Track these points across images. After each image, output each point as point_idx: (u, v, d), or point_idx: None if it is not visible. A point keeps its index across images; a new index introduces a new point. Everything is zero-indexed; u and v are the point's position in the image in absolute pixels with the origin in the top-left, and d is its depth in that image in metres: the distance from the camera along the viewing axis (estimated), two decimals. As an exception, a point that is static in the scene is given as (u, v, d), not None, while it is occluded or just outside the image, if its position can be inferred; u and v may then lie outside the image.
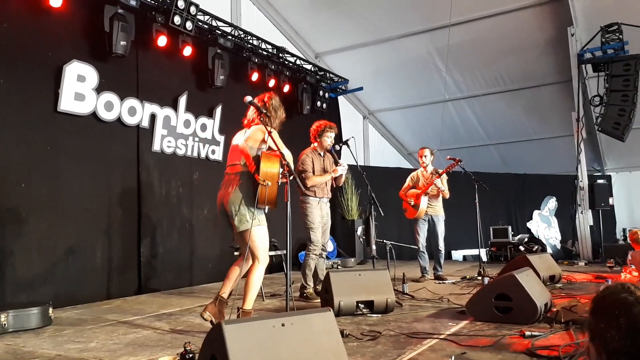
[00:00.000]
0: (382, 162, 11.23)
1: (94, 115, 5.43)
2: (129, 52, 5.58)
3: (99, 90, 5.46)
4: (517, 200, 11.11)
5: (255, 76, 7.53)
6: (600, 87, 7.94)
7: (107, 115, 5.58)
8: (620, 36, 7.45)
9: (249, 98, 3.64)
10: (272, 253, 5.42)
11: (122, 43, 5.44)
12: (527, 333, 3.28)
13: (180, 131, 6.49)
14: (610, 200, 10.49)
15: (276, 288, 5.79)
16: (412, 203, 6.30)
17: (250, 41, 7.54)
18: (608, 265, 7.06)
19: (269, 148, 3.50)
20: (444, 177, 6.30)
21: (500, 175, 11.00)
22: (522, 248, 8.35)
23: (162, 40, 6.06)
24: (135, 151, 5.94)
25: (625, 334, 1.09)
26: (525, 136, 10.97)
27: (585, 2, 7.44)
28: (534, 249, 8.27)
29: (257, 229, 3.50)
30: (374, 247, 5.19)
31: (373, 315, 4.12)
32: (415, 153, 11.52)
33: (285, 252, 3.74)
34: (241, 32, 7.37)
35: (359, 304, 4.14)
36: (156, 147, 6.17)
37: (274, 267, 7.33)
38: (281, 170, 3.38)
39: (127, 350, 3.20)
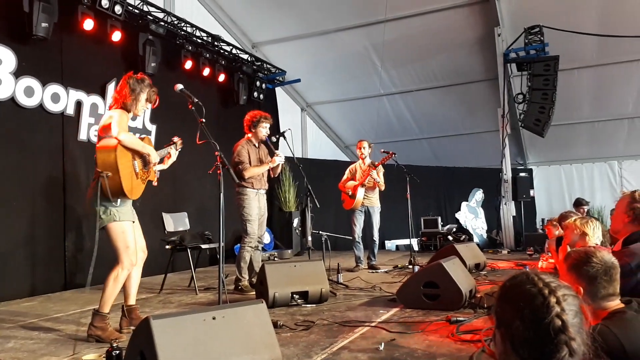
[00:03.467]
0: (320, 154, 11.32)
1: (12, 100, 5.07)
2: (51, 35, 5.25)
3: (18, 74, 5.10)
4: (447, 192, 11.58)
5: (189, 64, 7.32)
6: (524, 86, 8.42)
7: (27, 102, 5.22)
8: (542, 38, 7.92)
9: (179, 86, 3.54)
10: (206, 246, 5.35)
11: (44, 25, 5.10)
12: (453, 318, 3.45)
13: (108, 120, 6.18)
14: (532, 192, 11.19)
15: (210, 281, 5.71)
16: (350, 194, 6.43)
17: (184, 28, 7.32)
18: (528, 253, 7.55)
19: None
20: (380, 169, 6.47)
21: (432, 168, 11.41)
22: (450, 237, 8.75)
23: (88, 24, 5.74)
24: (60, 140, 5.62)
25: (529, 324, 1.13)
26: (455, 131, 11.43)
27: (510, 4, 7.84)
28: (462, 239, 8.69)
29: (114, 226, 3.26)
30: (309, 238, 5.25)
31: (308, 305, 4.17)
32: (352, 146, 11.71)
33: (219, 244, 3.69)
34: (174, 19, 7.13)
35: (294, 295, 4.17)
36: (82, 136, 5.86)
37: (207, 260, 7.22)
38: (139, 163, 3.28)
39: (49, 350, 3.04)
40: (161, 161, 3.72)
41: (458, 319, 3.43)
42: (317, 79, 10.52)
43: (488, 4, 7.82)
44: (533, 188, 11.53)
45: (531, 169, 12.16)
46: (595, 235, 4.02)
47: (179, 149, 3.83)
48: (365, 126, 11.34)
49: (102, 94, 6.11)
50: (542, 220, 10.40)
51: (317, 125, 12.06)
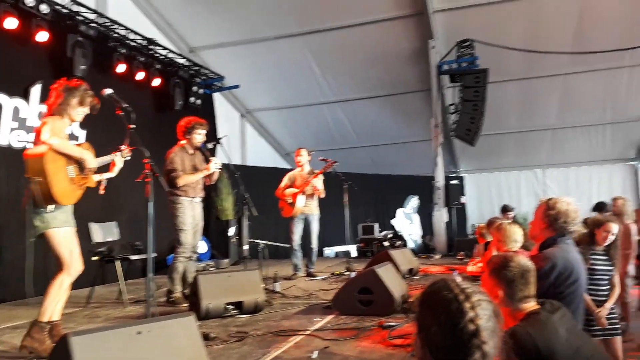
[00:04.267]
0: (260, 161, 11.23)
1: None
2: (-34, 33, 4.90)
3: None
4: (385, 199, 11.85)
5: (121, 68, 7.05)
6: (456, 97, 8.80)
7: (-61, 104, 4.83)
8: (473, 51, 8.32)
9: (107, 91, 3.41)
10: (135, 257, 5.15)
11: (-42, 21, 4.75)
12: (385, 324, 3.52)
13: (33, 124, 5.83)
14: (463, 199, 11.69)
15: (141, 294, 5.49)
16: (290, 202, 6.42)
17: (117, 30, 7.05)
18: (458, 257, 7.86)
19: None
20: (321, 176, 6.51)
21: (370, 176, 11.64)
22: (386, 244, 8.95)
23: (10, 23, 5.41)
24: (-23, 145, 5.23)
25: (445, 329, 1.17)
26: (392, 140, 11.74)
27: (443, 18, 8.18)
28: (397, 245, 8.91)
29: (53, 232, 3.17)
30: (246, 247, 5.18)
31: (242, 316, 4.10)
32: (292, 153, 11.69)
33: (150, 255, 3.56)
34: (106, 20, 6.86)
35: (228, 306, 4.10)
36: (3, 141, 5.50)
37: (140, 271, 6.94)
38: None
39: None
40: (107, 169, 3.56)
41: (390, 323, 3.50)
42: (257, 86, 10.47)
43: (422, 17, 8.11)
44: (464, 195, 12.04)
45: (463, 177, 12.70)
46: (517, 240, 4.25)
47: (127, 157, 3.69)
48: (305, 133, 11.40)
49: (26, 96, 5.75)
50: (473, 225, 10.88)
51: (257, 132, 11.99)
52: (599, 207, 8.62)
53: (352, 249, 9.96)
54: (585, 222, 9.37)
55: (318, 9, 8.41)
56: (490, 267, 2.34)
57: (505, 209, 8.88)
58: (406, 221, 11.71)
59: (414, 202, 11.83)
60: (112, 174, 3.66)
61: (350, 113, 11.01)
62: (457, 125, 8.51)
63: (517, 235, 4.26)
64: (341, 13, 8.40)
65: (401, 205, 11.85)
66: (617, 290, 4.36)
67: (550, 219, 3.17)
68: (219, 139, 5.30)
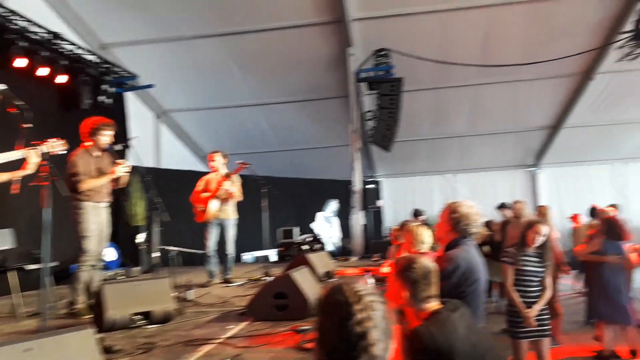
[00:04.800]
0: (176, 164, 10.84)
1: None
2: None
3: None
4: (305, 203, 11.93)
5: (21, 62, 6.50)
6: (373, 104, 9.05)
7: None
8: (389, 60, 8.61)
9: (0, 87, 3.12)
10: (32, 266, 4.75)
11: None
12: (299, 328, 3.51)
13: None
14: (380, 202, 12.07)
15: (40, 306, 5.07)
16: (202, 208, 6.23)
17: (17, 22, 6.49)
18: (373, 259, 8.08)
19: None
20: (238, 180, 6.38)
21: (291, 180, 11.66)
22: (306, 247, 9.00)
23: None
24: None
25: (337, 332, 1.20)
26: (312, 144, 11.87)
27: (361, 26, 8.39)
28: (316, 248, 8.99)
29: None
30: (156, 254, 4.96)
31: (151, 326, 3.91)
32: (210, 156, 11.46)
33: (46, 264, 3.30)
34: (5, 11, 6.29)
35: (135, 316, 3.89)
36: None
37: (39, 281, 6.41)
38: None
39: None
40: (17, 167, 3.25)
41: (304, 328, 3.50)
42: (174, 86, 10.11)
43: (341, 24, 8.27)
44: (381, 198, 12.44)
45: (380, 181, 13.11)
46: (424, 242, 4.42)
47: (53, 150, 3.36)
48: (224, 136, 11.20)
49: None
50: (388, 228, 11.25)
51: (174, 133, 11.58)
52: (502, 206, 9.27)
53: (272, 254, 9.91)
54: (487, 224, 10.01)
55: (239, 11, 8.30)
56: (396, 269, 2.41)
57: (416, 213, 9.27)
58: (326, 224, 11.86)
59: (333, 205, 12.01)
60: (28, 171, 3.34)
61: (271, 117, 10.97)
62: (374, 132, 8.76)
63: (425, 237, 4.43)
64: (261, 16, 8.35)
65: (321, 209, 11.98)
66: (548, 292, 4.49)
67: (454, 222, 3.33)
68: (129, 140, 5.03)
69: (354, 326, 1.18)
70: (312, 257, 5.78)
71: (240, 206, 6.58)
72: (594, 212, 9.24)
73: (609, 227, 5.83)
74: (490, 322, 9.14)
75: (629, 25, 7.81)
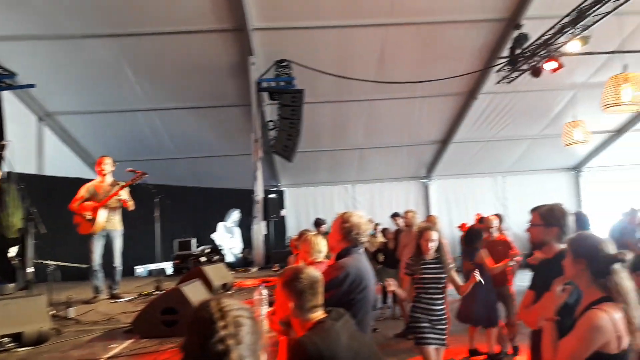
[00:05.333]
0: (61, 171, 9.98)
1: None
2: None
3: None
4: (205, 212, 11.60)
5: None
6: (275, 114, 9.07)
7: None
8: (290, 71, 8.69)
9: None
10: None
11: None
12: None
13: None
14: (282, 212, 12.09)
15: None
16: (89, 217, 5.79)
17: None
18: (274, 269, 8.05)
19: None
20: (127, 188, 6.03)
21: (190, 189, 11.29)
22: (203, 259, 8.74)
23: None
24: None
25: (198, 349, 1.17)
26: (213, 152, 11.59)
27: (262, 36, 8.39)
28: (214, 260, 8.77)
29: None
30: (31, 269, 4.52)
31: (22, 349, 3.54)
32: (101, 163, 10.72)
33: None
34: None
35: (3, 339, 3.50)
36: None
37: None
38: None
39: None
40: None
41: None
42: (60, 87, 9.34)
43: (242, 33, 8.21)
44: (284, 208, 12.48)
45: (283, 190, 13.15)
46: (321, 251, 4.48)
47: None
48: (117, 142, 10.55)
49: None
50: (289, 237, 11.30)
51: (60, 138, 10.68)
52: (395, 216, 9.72)
53: (168, 266, 9.48)
54: (383, 232, 10.38)
55: (134, 12, 7.90)
56: (282, 280, 2.41)
57: (317, 223, 9.41)
58: (227, 235, 11.63)
59: (235, 215, 11.82)
60: None
61: (169, 123, 10.54)
62: (275, 142, 8.78)
63: (321, 246, 4.48)
64: (159, 19, 8.02)
65: (222, 218, 11.73)
66: (461, 289, 4.65)
67: (345, 231, 3.42)
68: (2, 144, 4.55)
69: (216, 344, 1.15)
70: (208, 269, 5.61)
71: (133, 217, 6.22)
72: (481, 220, 10.03)
73: (467, 236, 6.40)
74: (387, 326, 9.55)
75: (505, 51, 8.61)
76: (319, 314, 2.35)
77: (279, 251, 9.82)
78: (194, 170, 12.13)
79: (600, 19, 6.97)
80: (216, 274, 5.76)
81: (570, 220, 3.08)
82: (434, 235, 4.49)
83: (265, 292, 4.45)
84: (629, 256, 2.47)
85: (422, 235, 4.53)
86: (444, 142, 12.65)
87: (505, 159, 14.01)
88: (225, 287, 5.91)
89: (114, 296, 5.90)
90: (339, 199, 14.31)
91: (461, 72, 9.23)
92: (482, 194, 14.71)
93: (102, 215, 5.80)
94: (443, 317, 4.41)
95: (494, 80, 9.55)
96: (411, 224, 7.95)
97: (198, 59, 8.81)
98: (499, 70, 9.22)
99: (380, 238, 10.85)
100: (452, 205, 14.73)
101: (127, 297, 5.93)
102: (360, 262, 3.39)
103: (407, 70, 9.21)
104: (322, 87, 9.66)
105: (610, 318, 2.23)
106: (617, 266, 2.40)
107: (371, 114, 11.14)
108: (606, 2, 6.50)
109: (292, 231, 12.74)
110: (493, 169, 14.41)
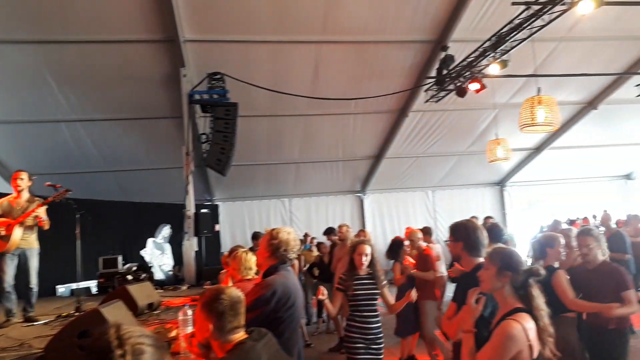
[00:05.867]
0: (-26, 185, 9.28)
1: None
2: None
3: None
4: (134, 228, 11.14)
5: None
6: (208, 127, 8.91)
7: None
8: (223, 84, 8.59)
9: None
10: None
11: None
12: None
13: None
14: (217, 227, 11.85)
15: None
16: (2, 234, 5.39)
17: None
18: (205, 287, 7.84)
19: None
20: (45, 206, 5.67)
21: (118, 203, 10.82)
22: (130, 277, 8.35)
23: None
24: None
25: None
26: (143, 165, 11.18)
27: (194, 48, 8.26)
28: (142, 277, 8.41)
29: None
30: None
31: None
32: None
33: None
34: None
35: None
36: None
37: None
38: None
39: None
40: None
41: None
42: (-27, 94, 8.69)
43: (174, 44, 8.03)
44: (218, 223, 12.24)
45: (217, 205, 12.90)
46: (251, 267, 4.42)
47: None
48: (38, 154, 9.93)
49: None
50: (222, 253, 11.07)
51: (-27, 149, 9.92)
52: (328, 231, 9.79)
53: (93, 285, 8.99)
54: (319, 246, 10.42)
55: (59, 18, 7.51)
56: (202, 301, 2.34)
57: (254, 237, 9.29)
58: (157, 251, 11.23)
59: (165, 231, 11.45)
60: None
61: (95, 134, 10.05)
62: (207, 155, 8.61)
63: (250, 263, 4.41)
64: (86, 26, 7.66)
65: (152, 234, 11.31)
66: (394, 307, 4.55)
67: (273, 248, 3.39)
68: None
69: None
70: (134, 288, 5.38)
71: (53, 234, 5.86)
72: (427, 231, 10.33)
73: (389, 248, 6.62)
74: (321, 341, 9.54)
75: (433, 72, 9.01)
76: (239, 335, 2.30)
77: (211, 268, 9.59)
78: (122, 184, 11.63)
79: (517, 45, 7.48)
80: (142, 293, 5.53)
81: (479, 235, 3.26)
82: (368, 249, 4.41)
83: (190, 311, 4.33)
84: (542, 270, 2.65)
85: (356, 249, 4.44)
86: (378, 157, 12.97)
87: (435, 174, 14.58)
88: (152, 306, 5.68)
89: (28, 319, 5.50)
90: (275, 213, 14.25)
91: (392, 90, 9.54)
92: (414, 207, 15.21)
93: (17, 233, 5.42)
94: (379, 335, 4.30)
95: (423, 99, 9.95)
96: (345, 238, 8.04)
97: (127, 69, 8.51)
98: (427, 90, 9.63)
99: (316, 252, 10.90)
100: (385, 219, 15.10)
101: (43, 319, 5.54)
102: (288, 279, 3.37)
103: (341, 87, 9.40)
104: (257, 101, 9.64)
105: (523, 328, 2.36)
106: (533, 279, 2.56)
107: (307, 129, 11.23)
108: (522, 30, 6.97)
109: (227, 247, 12.50)
110: (424, 183, 14.93)
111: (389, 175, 13.86)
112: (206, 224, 9.40)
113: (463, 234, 3.30)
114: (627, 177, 16.38)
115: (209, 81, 8.47)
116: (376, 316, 4.33)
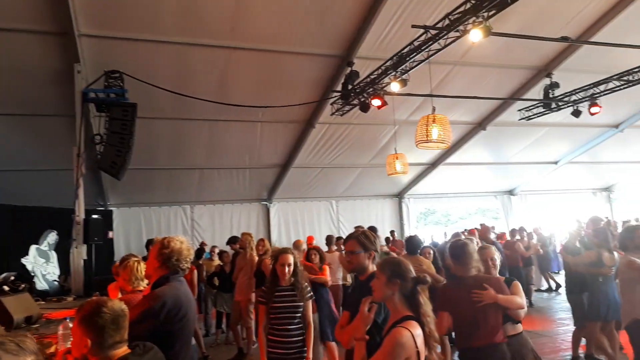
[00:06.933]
0: None
1: None
2: None
3: None
4: (15, 234, 10.11)
5: None
6: (103, 128, 8.35)
7: None
8: (122, 84, 8.12)
9: None
10: None
11: None
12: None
13: None
14: (110, 234, 11.15)
15: None
16: None
17: None
18: (94, 297, 7.31)
19: None
20: None
21: (-4, 207, 9.77)
22: (6, 288, 7.53)
23: None
24: None
25: None
26: (28, 165, 10.25)
27: (91, 43, 7.73)
28: (21, 288, 7.62)
29: None
30: None
31: None
32: None
33: None
34: None
35: None
36: None
37: None
38: None
39: None
40: None
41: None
42: None
43: (68, 38, 7.47)
44: (112, 230, 11.53)
45: (111, 210, 12.15)
46: (143, 278, 4.21)
47: None
48: None
49: None
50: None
51: None
52: (231, 240, 9.64)
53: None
54: (221, 255, 10.21)
55: None
56: (80, 314, 2.19)
57: (150, 244, 8.87)
58: (40, 259, 10.28)
59: (51, 237, 10.54)
60: None
61: (-29, 130, 9.04)
62: (101, 157, 8.07)
63: (142, 273, 4.20)
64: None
65: (36, 241, 10.35)
66: (311, 329, 4.25)
67: (164, 258, 3.26)
68: None
69: None
70: (8, 300, 4.89)
71: None
72: (329, 240, 10.52)
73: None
74: (220, 352, 9.32)
75: (339, 86, 9.27)
76: (122, 350, 2.19)
77: (102, 278, 8.97)
78: (2, 185, 10.53)
79: (416, 66, 7.95)
80: (19, 305, 5.05)
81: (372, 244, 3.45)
82: (291, 259, 4.23)
83: (71, 325, 4.01)
84: (428, 278, 2.81)
85: (278, 259, 4.25)
86: (285, 166, 13.04)
87: (340, 185, 14.97)
88: (31, 320, 5.18)
89: None
90: (176, 221, 13.75)
91: (300, 101, 9.66)
92: (319, 217, 15.49)
93: None
94: (302, 349, 4.16)
95: (329, 112, 10.18)
96: (245, 247, 7.96)
97: (13, 60, 7.75)
98: (333, 103, 9.88)
99: (217, 261, 10.67)
100: (291, 228, 15.19)
101: None
102: (180, 290, 3.26)
103: (249, 94, 9.32)
104: (160, 103, 9.26)
105: (412, 335, 2.48)
106: (420, 287, 2.70)
107: (213, 135, 11.00)
108: (421, 52, 7.42)
109: (121, 256, 11.77)
110: (329, 193, 15.27)
111: (295, 184, 13.99)
112: (97, 230, 8.77)
113: (370, 244, 3.43)
114: (510, 192, 18.01)
115: (106, 79, 7.97)
116: (299, 329, 4.17)
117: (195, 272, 8.40)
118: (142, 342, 2.31)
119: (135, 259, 4.52)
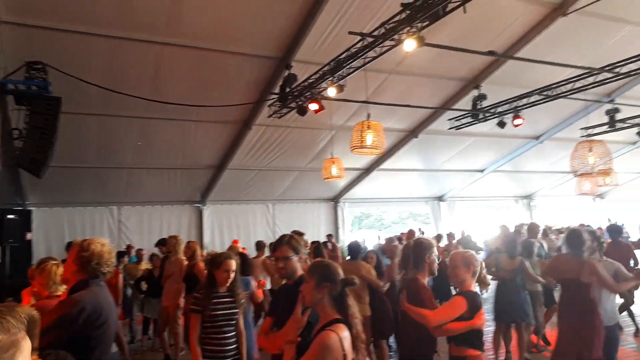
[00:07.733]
0: None
1: None
2: None
3: None
4: None
5: None
6: (22, 122, 7.80)
7: None
8: (45, 76, 7.61)
9: None
10: None
11: None
12: None
13: None
14: (28, 235, 10.44)
15: None
16: None
17: None
18: (8, 301, 6.80)
19: None
20: None
21: None
22: None
23: None
24: None
25: None
26: None
27: (11, 31, 7.21)
28: None
29: None
30: None
31: None
32: None
33: None
34: None
35: None
36: None
37: None
38: None
39: None
40: None
41: None
42: None
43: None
44: (31, 231, 10.81)
45: (31, 210, 11.38)
46: (61, 283, 3.99)
47: None
48: None
49: None
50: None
51: None
52: (160, 242, 9.33)
53: None
54: (151, 258, 9.85)
55: None
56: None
57: (70, 247, 8.40)
58: (-54, 263, 9.42)
59: (-40, 239, 9.69)
60: None
61: None
62: (20, 153, 7.52)
63: (60, 277, 4.00)
64: None
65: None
66: (244, 337, 4.15)
67: (83, 261, 3.09)
68: None
69: None
70: None
71: None
72: (259, 245, 10.39)
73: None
74: (146, 359, 8.99)
75: (277, 88, 9.23)
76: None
77: (17, 282, 8.37)
78: None
79: (353, 72, 8.08)
80: None
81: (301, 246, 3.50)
82: (234, 265, 4.08)
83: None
84: (356, 280, 2.85)
85: (222, 265, 4.06)
86: (220, 167, 12.79)
87: (276, 188, 14.91)
88: None
89: None
90: (102, 222, 13.11)
91: (236, 101, 9.52)
92: (255, 220, 15.33)
93: None
94: (237, 357, 4.07)
95: (267, 114, 10.11)
96: (174, 251, 7.73)
97: None
98: (271, 105, 9.82)
99: (145, 265, 10.28)
100: (225, 231, 14.92)
101: None
102: (100, 295, 3.11)
103: (183, 92, 9.06)
104: (88, 98, 8.79)
105: (340, 338, 2.51)
106: (348, 289, 2.73)
107: (143, 133, 10.58)
108: (357, 58, 7.55)
109: (41, 256, 11.06)
110: (265, 196, 15.15)
111: (230, 186, 13.76)
112: (13, 231, 8.20)
113: (300, 247, 3.45)
114: (440, 198, 18.74)
115: (27, 70, 7.44)
116: (234, 337, 4.06)
117: (121, 276, 8.04)
118: (56, 351, 2.17)
119: (54, 262, 4.28)
